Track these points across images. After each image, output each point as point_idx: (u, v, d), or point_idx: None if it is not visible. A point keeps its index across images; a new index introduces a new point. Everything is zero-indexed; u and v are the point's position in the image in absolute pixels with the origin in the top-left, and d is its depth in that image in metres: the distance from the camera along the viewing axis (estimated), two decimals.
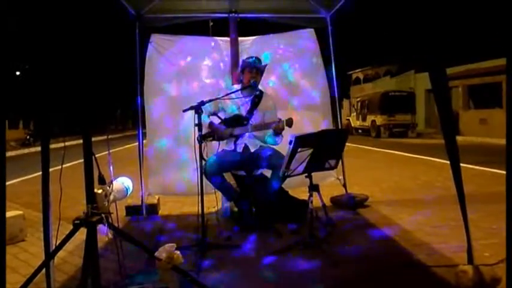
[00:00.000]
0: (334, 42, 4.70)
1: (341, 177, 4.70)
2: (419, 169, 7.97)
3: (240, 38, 4.50)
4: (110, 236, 2.13)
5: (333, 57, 4.73)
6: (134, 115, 4.48)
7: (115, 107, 37.07)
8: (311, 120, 4.57)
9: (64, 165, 2.19)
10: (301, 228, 3.47)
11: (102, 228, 2.04)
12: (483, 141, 15.14)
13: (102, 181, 2.15)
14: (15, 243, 3.56)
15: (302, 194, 3.90)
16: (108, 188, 2.17)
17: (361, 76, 32.86)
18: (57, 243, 2.11)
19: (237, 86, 3.90)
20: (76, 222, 2.00)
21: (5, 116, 2.11)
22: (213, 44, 4.60)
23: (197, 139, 3.17)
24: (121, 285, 2.48)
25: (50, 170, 2.32)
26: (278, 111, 3.88)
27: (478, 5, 20.74)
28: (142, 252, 2.47)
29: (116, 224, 2.22)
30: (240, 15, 4.48)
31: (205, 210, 3.33)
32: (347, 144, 3.38)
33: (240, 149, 3.71)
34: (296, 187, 4.13)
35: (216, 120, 3.74)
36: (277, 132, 3.54)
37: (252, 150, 3.73)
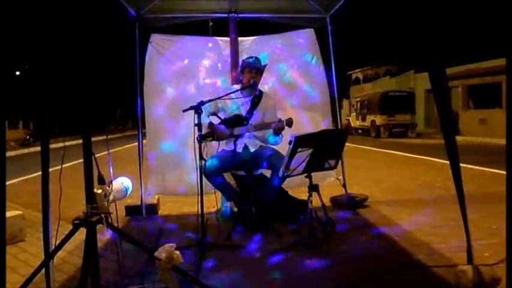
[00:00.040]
0: (334, 42, 4.70)
1: (341, 177, 4.70)
2: (419, 169, 7.98)
3: (239, 38, 4.50)
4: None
5: (332, 57, 4.73)
6: (134, 115, 4.47)
7: (115, 107, 37.08)
8: (311, 120, 4.57)
9: (64, 165, 2.19)
10: (301, 228, 3.46)
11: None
12: (483, 141, 15.14)
13: (101, 181, 2.15)
14: (14, 243, 3.56)
15: (302, 194, 3.90)
16: (107, 188, 2.17)
17: (360, 76, 32.86)
18: (57, 243, 2.11)
19: (236, 86, 3.90)
20: (76, 222, 2.00)
21: (5, 116, 2.11)
22: (212, 44, 4.60)
23: (197, 139, 3.17)
24: (121, 285, 2.49)
25: (50, 170, 2.32)
26: (278, 111, 3.88)
27: (478, 5, 20.77)
28: (142, 252, 2.47)
29: (116, 224, 2.22)
30: (240, 15, 4.48)
31: (205, 210, 3.33)
32: (347, 144, 3.38)
33: (239, 149, 3.71)
34: (296, 187, 4.13)
35: (215, 120, 3.74)
36: (277, 132, 3.54)
37: (252, 150, 3.73)
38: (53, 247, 2.20)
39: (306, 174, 3.16)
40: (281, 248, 3.15)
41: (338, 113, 4.93)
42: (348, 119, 24.43)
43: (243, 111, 3.74)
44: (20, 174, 8.20)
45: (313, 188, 3.20)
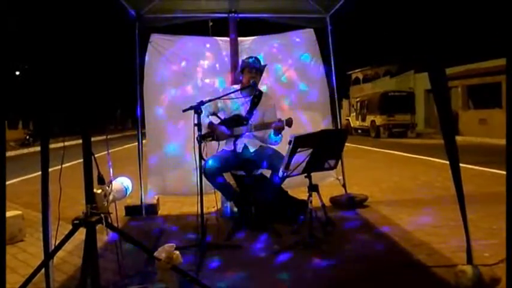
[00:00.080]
0: (334, 42, 4.70)
1: (340, 177, 4.70)
2: (418, 169, 7.98)
3: (239, 38, 4.50)
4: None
5: (332, 57, 4.72)
6: (134, 115, 4.47)
7: (115, 107, 37.08)
8: (310, 120, 4.57)
9: (63, 165, 2.19)
10: (301, 228, 3.47)
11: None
12: (482, 141, 15.14)
13: (101, 181, 2.14)
14: (14, 243, 3.56)
15: (301, 194, 3.90)
16: (107, 188, 2.17)
17: (360, 76, 32.86)
18: (57, 243, 2.11)
19: (236, 86, 3.90)
20: (75, 222, 2.00)
21: (5, 116, 2.11)
22: (212, 44, 4.59)
23: (197, 139, 3.17)
24: (120, 285, 2.49)
25: (50, 170, 2.32)
26: (277, 111, 3.88)
27: (478, 4, 20.77)
28: (142, 252, 2.47)
29: (115, 224, 2.22)
30: (240, 15, 4.48)
31: (205, 210, 3.33)
32: (346, 144, 3.38)
33: (239, 149, 3.71)
34: (296, 187, 4.14)
35: (215, 121, 3.74)
36: (277, 132, 3.54)
37: (252, 150, 3.73)
38: (53, 247, 2.20)
39: (305, 174, 3.16)
40: (281, 248, 3.15)
41: (338, 113, 4.93)
42: (348, 119, 24.44)
43: (243, 111, 3.74)
44: (20, 174, 8.21)
45: (313, 188, 3.20)
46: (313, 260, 2.90)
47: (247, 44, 4.57)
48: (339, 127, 5.27)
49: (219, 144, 3.71)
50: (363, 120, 22.41)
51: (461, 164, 2.43)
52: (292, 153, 2.92)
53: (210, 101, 3.39)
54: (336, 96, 4.84)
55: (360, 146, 14.07)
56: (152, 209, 4.53)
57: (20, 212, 3.80)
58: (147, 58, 4.37)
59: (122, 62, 6.91)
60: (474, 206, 2.98)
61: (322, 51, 4.69)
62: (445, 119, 2.51)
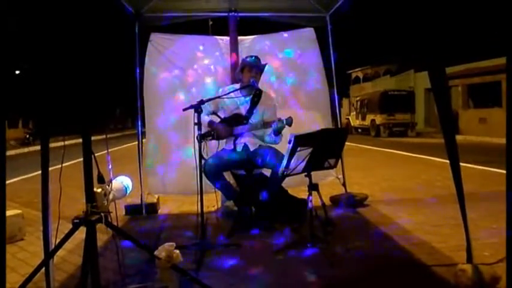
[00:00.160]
0: (334, 41, 4.70)
1: (340, 176, 4.70)
2: (419, 168, 7.98)
3: (239, 37, 4.50)
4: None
5: (332, 56, 4.72)
6: (133, 114, 4.47)
7: (114, 106, 37.08)
8: (310, 119, 4.56)
9: (63, 164, 2.19)
10: (301, 228, 3.46)
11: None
12: (483, 140, 15.15)
13: (101, 180, 2.14)
14: (14, 242, 3.56)
15: (301, 193, 3.90)
16: (107, 187, 2.17)
17: (360, 75, 32.84)
18: (57, 242, 2.10)
19: (236, 85, 3.90)
20: (75, 221, 2.00)
21: (5, 116, 2.10)
22: (212, 43, 4.59)
23: (197, 138, 3.17)
24: (120, 284, 2.48)
25: (50, 169, 2.32)
26: (277, 111, 3.88)
27: (478, 4, 20.76)
28: (142, 252, 2.47)
29: (115, 223, 2.22)
30: (240, 14, 4.48)
31: (205, 210, 3.33)
32: (346, 143, 3.38)
33: (239, 148, 3.71)
34: (295, 186, 4.13)
35: (215, 120, 3.74)
36: (277, 132, 3.54)
37: (252, 149, 3.72)
38: (53, 246, 2.20)
39: (305, 173, 3.16)
40: (281, 248, 3.14)
41: (338, 112, 4.93)
42: (348, 118, 24.43)
43: (243, 110, 3.74)
44: (20, 173, 8.21)
45: (313, 187, 3.19)
46: (313, 259, 2.90)
47: (247, 43, 4.57)
48: (339, 126, 5.27)
49: (219, 143, 3.71)
50: (363, 119, 22.41)
51: (461, 163, 2.43)
52: (292, 152, 2.92)
53: (210, 100, 3.38)
54: (336, 95, 4.84)
55: (360, 145, 14.07)
56: (152, 208, 4.53)
57: (20, 211, 3.80)
58: (147, 57, 4.37)
59: (121, 61, 6.92)
60: (474, 205, 2.99)
61: (322, 50, 4.68)
62: (445, 118, 2.51)
